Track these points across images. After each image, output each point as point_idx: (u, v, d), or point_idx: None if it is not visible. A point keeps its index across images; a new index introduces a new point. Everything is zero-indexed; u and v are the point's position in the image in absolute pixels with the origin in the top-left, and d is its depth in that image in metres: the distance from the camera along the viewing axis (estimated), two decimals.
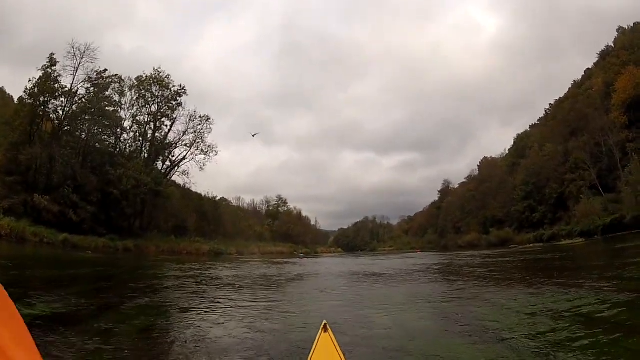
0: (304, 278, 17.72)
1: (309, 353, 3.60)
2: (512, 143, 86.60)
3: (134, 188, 38.56)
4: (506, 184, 73.14)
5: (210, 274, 18.06)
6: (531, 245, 46.07)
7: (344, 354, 3.57)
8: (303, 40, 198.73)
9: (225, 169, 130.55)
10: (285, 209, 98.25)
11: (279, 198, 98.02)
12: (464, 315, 6.85)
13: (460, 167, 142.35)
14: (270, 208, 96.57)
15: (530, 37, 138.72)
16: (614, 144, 45.47)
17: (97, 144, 40.71)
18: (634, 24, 53.81)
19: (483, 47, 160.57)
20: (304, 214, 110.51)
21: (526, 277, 13.41)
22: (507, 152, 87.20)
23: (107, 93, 41.27)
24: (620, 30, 56.53)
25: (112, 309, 7.42)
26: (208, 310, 7.99)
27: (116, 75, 42.22)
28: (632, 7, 67.60)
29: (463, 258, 28.77)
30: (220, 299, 9.73)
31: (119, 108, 43.28)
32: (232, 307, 8.33)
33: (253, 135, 42.29)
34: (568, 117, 58.00)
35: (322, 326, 3.93)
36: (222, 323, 6.63)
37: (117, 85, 42.59)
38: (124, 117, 44.03)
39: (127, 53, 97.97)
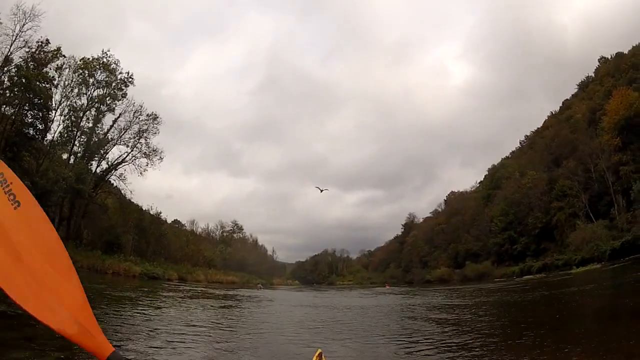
0: None
1: None
2: (484, 176, 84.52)
3: (53, 183, 30.95)
4: (481, 215, 69.69)
5: None
6: (527, 277, 41.25)
7: None
8: (283, 75, 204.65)
9: (192, 196, 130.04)
10: (241, 235, 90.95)
11: (234, 223, 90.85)
12: None
13: (421, 205, 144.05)
14: (225, 234, 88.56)
15: (498, 84, 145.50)
16: (605, 168, 42.61)
17: (23, 128, 32.46)
18: (616, 53, 53.46)
19: (452, 92, 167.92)
20: (260, 243, 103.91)
21: None
22: (479, 184, 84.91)
23: (45, 69, 34.15)
24: (603, 59, 56.28)
25: None
26: None
27: (59, 48, 35.24)
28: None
29: (475, 295, 23.21)
30: None
31: (53, 87, 35.44)
32: None
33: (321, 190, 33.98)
34: (551, 144, 55.88)
35: (316, 355, 3.90)
36: None
37: (58, 61, 35.70)
38: (58, 99, 36.73)
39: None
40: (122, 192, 41.78)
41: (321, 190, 29.37)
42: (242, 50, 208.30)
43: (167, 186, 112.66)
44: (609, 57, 55.35)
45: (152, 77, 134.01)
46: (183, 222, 75.36)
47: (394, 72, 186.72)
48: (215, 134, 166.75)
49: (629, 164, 39.71)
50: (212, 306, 17.54)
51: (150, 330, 8.53)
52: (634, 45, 49.79)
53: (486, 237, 64.61)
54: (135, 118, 40.37)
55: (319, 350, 3.88)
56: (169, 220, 61.00)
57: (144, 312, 12.43)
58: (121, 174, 40.28)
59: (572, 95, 61.28)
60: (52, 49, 34.17)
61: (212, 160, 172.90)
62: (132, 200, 44.27)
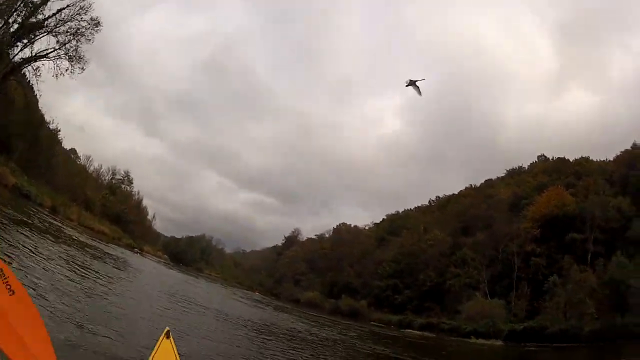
0: None
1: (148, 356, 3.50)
2: (382, 219, 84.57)
3: None
4: (370, 255, 68.50)
5: None
6: (415, 332, 39.12)
7: None
8: (231, 66, 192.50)
9: (100, 136, 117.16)
10: (128, 189, 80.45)
11: (127, 174, 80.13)
12: None
13: (306, 226, 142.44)
14: (114, 181, 77.46)
15: (420, 147, 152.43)
16: (515, 252, 43.23)
17: None
18: (558, 157, 56.81)
19: (375, 140, 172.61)
20: (143, 205, 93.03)
21: None
22: (374, 225, 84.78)
23: None
24: (542, 157, 59.60)
25: None
26: None
27: None
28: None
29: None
30: None
31: None
32: None
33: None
34: (465, 212, 56.63)
35: (164, 332, 3.87)
36: None
37: None
38: None
39: None
40: (34, 91, 38.42)
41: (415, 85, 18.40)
42: (204, 24, 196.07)
43: (85, 118, 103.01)
44: (550, 158, 59.04)
45: (116, 12, 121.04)
46: (79, 155, 68.49)
47: (333, 106, 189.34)
48: (146, 88, 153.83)
49: (542, 257, 40.39)
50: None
51: None
52: (582, 156, 53.46)
53: (370, 278, 63.17)
54: (77, 15, 35.97)
55: (167, 328, 3.76)
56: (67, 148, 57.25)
57: None
58: (37, 68, 36.14)
59: (498, 177, 64.05)
60: None
61: (133, 111, 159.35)
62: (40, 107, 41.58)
